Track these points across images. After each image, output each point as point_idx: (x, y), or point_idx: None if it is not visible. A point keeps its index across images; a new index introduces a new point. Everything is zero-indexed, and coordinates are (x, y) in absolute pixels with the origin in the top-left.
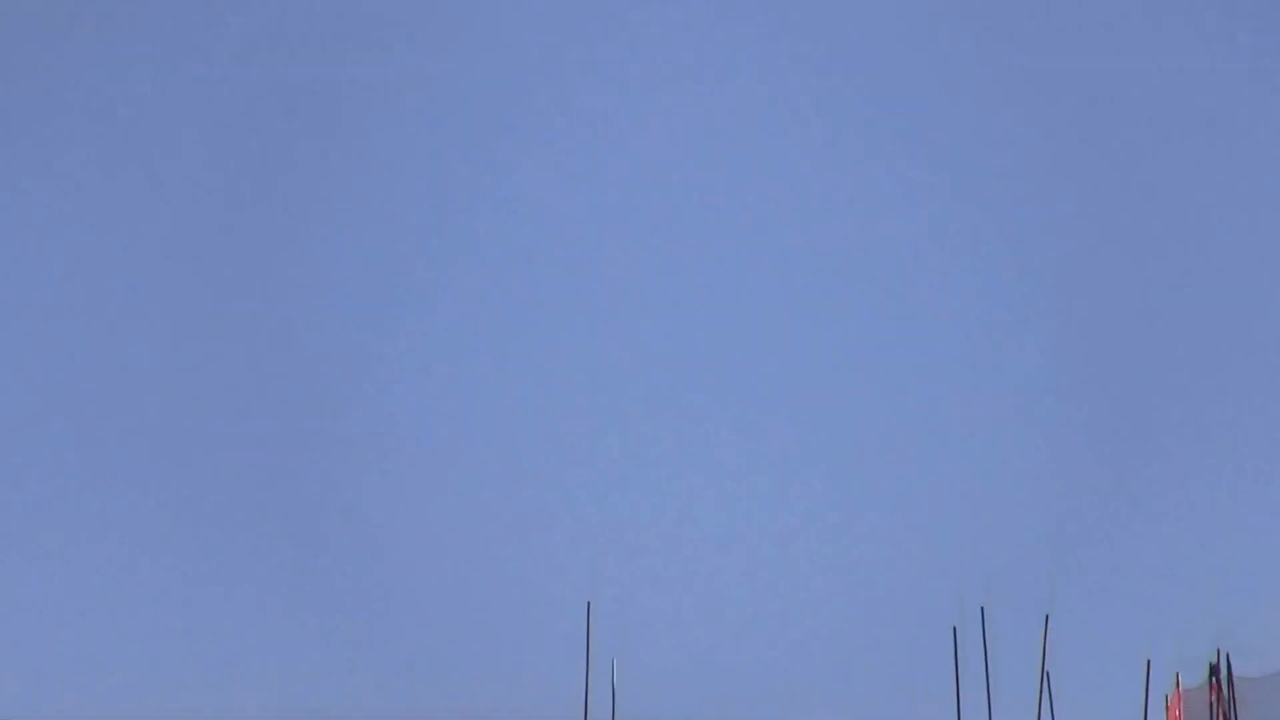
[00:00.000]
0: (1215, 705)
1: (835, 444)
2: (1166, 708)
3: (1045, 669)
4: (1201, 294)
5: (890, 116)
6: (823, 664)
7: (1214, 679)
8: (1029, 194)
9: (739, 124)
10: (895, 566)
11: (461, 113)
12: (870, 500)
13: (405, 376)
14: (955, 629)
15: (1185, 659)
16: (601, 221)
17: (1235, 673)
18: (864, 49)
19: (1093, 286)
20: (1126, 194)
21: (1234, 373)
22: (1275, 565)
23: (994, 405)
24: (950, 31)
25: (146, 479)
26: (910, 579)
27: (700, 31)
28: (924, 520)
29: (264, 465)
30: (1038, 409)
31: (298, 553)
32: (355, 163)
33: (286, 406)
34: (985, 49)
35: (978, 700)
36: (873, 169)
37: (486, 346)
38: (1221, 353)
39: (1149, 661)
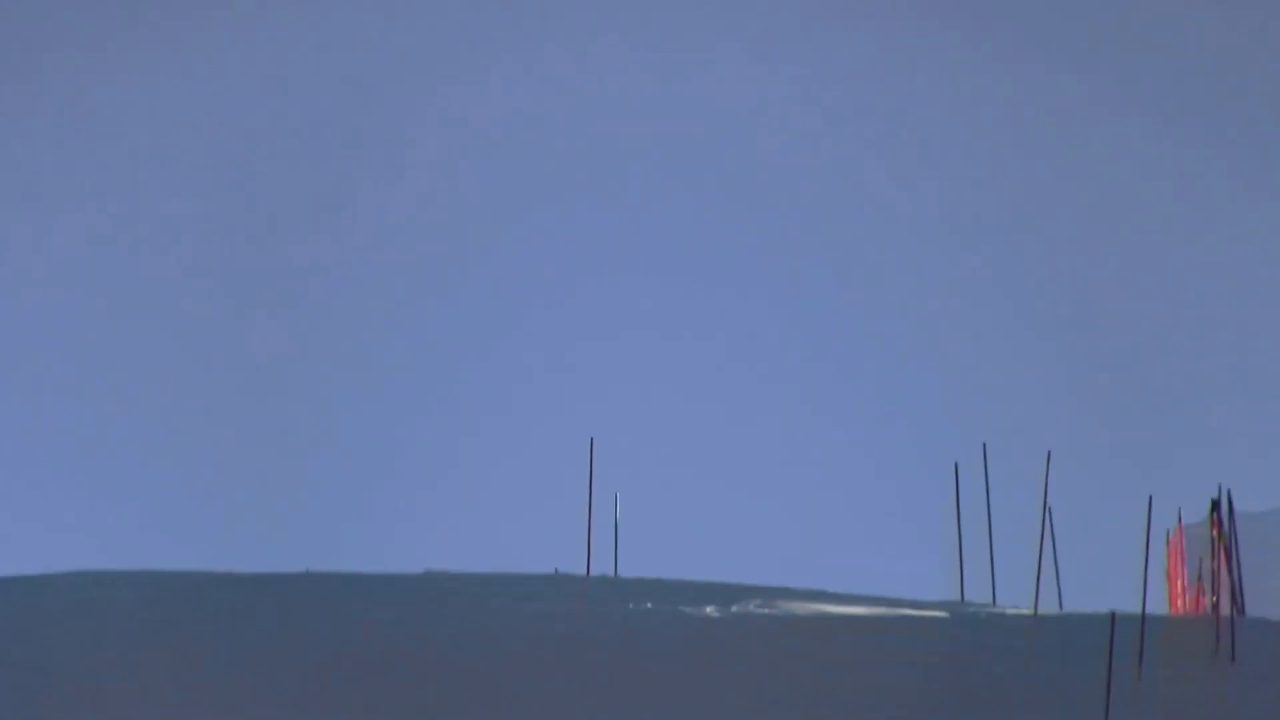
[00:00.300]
0: (1217, 541)
1: (839, 279)
2: (1168, 544)
3: (1047, 505)
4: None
5: None
6: (824, 502)
7: (1216, 515)
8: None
9: None
10: (897, 403)
11: None
12: (874, 336)
13: (409, 200)
14: (956, 465)
15: (1187, 495)
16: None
17: (1237, 509)
18: None
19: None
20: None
21: (1242, 215)
22: (1276, 402)
23: (999, 242)
24: None
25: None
26: (912, 415)
27: None
28: (926, 357)
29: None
30: (1043, 248)
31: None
32: None
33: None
34: None
35: (978, 537)
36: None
37: (491, 196)
38: (1233, 189)
39: (1150, 498)
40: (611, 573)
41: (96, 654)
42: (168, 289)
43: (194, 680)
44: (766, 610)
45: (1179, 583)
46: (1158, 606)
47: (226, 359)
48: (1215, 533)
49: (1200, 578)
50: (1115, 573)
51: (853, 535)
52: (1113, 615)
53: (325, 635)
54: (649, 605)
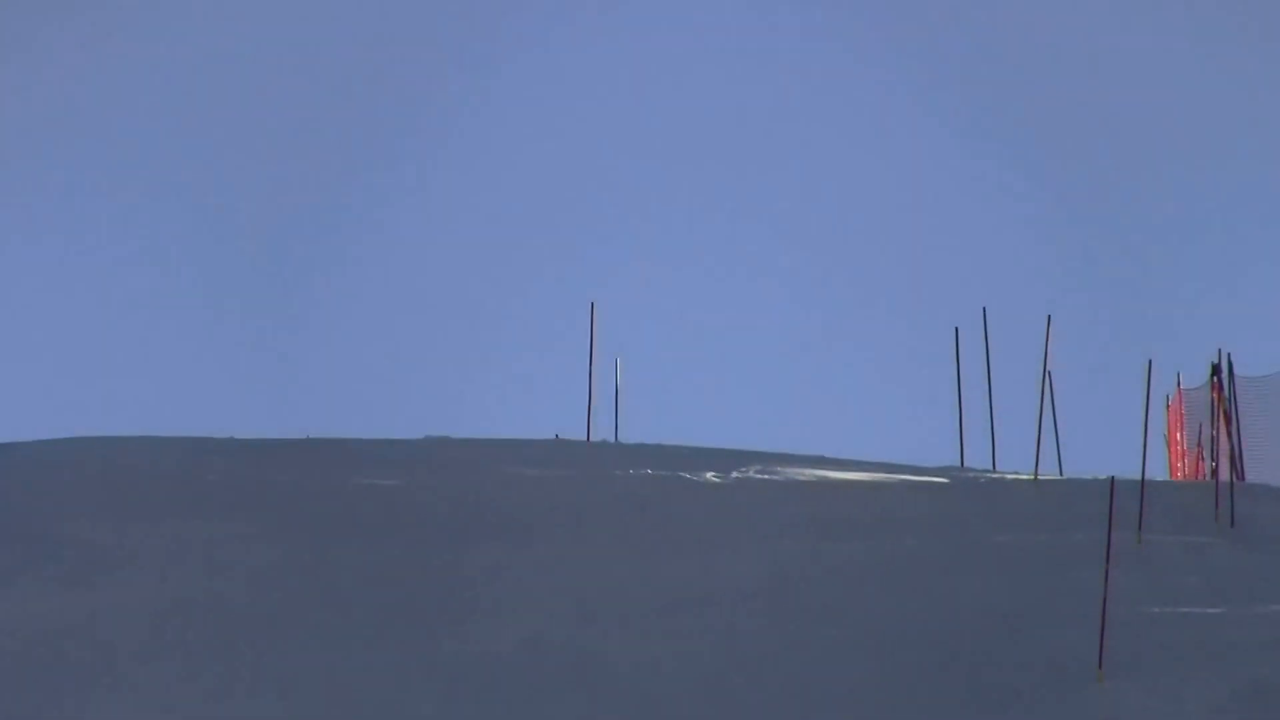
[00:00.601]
0: (1216, 405)
1: (842, 150)
2: (1168, 407)
3: (1047, 369)
4: None
5: None
6: (824, 367)
7: (1215, 379)
8: None
9: None
10: (898, 268)
11: None
12: (875, 203)
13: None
14: (957, 329)
15: (1187, 359)
16: None
17: (1237, 373)
18: None
19: None
20: None
21: (1240, 83)
22: (1277, 265)
23: (999, 109)
24: None
25: None
26: (913, 280)
27: None
28: (927, 222)
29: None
30: (1042, 114)
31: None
32: None
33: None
34: None
35: (979, 400)
36: None
37: (500, 55)
38: (1227, 62)
39: (1150, 362)
40: (612, 438)
41: (98, 521)
42: (175, 161)
43: (196, 544)
44: (767, 476)
45: (1179, 447)
46: (1158, 471)
47: (228, 228)
48: (1215, 397)
49: (1200, 442)
50: (1115, 438)
51: (853, 401)
52: (1112, 480)
53: (326, 500)
54: (649, 471)
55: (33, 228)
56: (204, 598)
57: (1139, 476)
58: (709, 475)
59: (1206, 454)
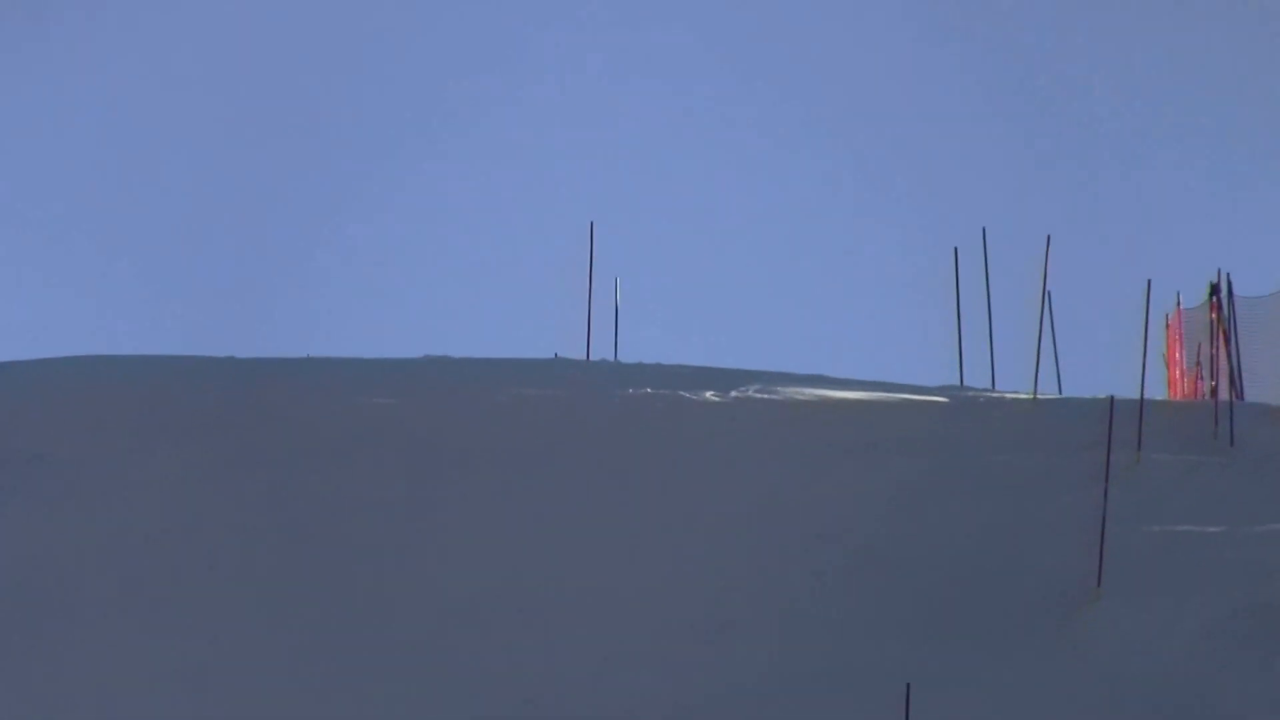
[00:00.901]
0: (1215, 324)
1: (841, 66)
2: (1167, 327)
3: (1046, 289)
4: None
5: None
6: (824, 286)
7: (1214, 298)
8: None
9: None
10: (898, 188)
11: None
12: (874, 121)
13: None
14: (956, 249)
15: (1186, 279)
16: None
17: (1236, 292)
18: None
19: None
20: None
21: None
22: (1276, 185)
23: (1000, 27)
24: None
25: None
26: (913, 200)
27: None
28: (927, 142)
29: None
30: (1042, 32)
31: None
32: None
33: None
34: None
35: (979, 319)
36: None
37: None
38: None
39: (1149, 281)
40: (611, 358)
41: (96, 439)
42: (171, 74)
43: (194, 463)
44: (766, 395)
45: (1178, 367)
46: (1156, 391)
47: (227, 145)
48: (1214, 316)
49: (1199, 362)
50: (1114, 357)
51: (853, 321)
52: (1111, 400)
53: (324, 419)
54: (648, 390)
55: (28, 144)
56: (197, 521)
57: (1138, 396)
58: (708, 394)
59: (1205, 373)
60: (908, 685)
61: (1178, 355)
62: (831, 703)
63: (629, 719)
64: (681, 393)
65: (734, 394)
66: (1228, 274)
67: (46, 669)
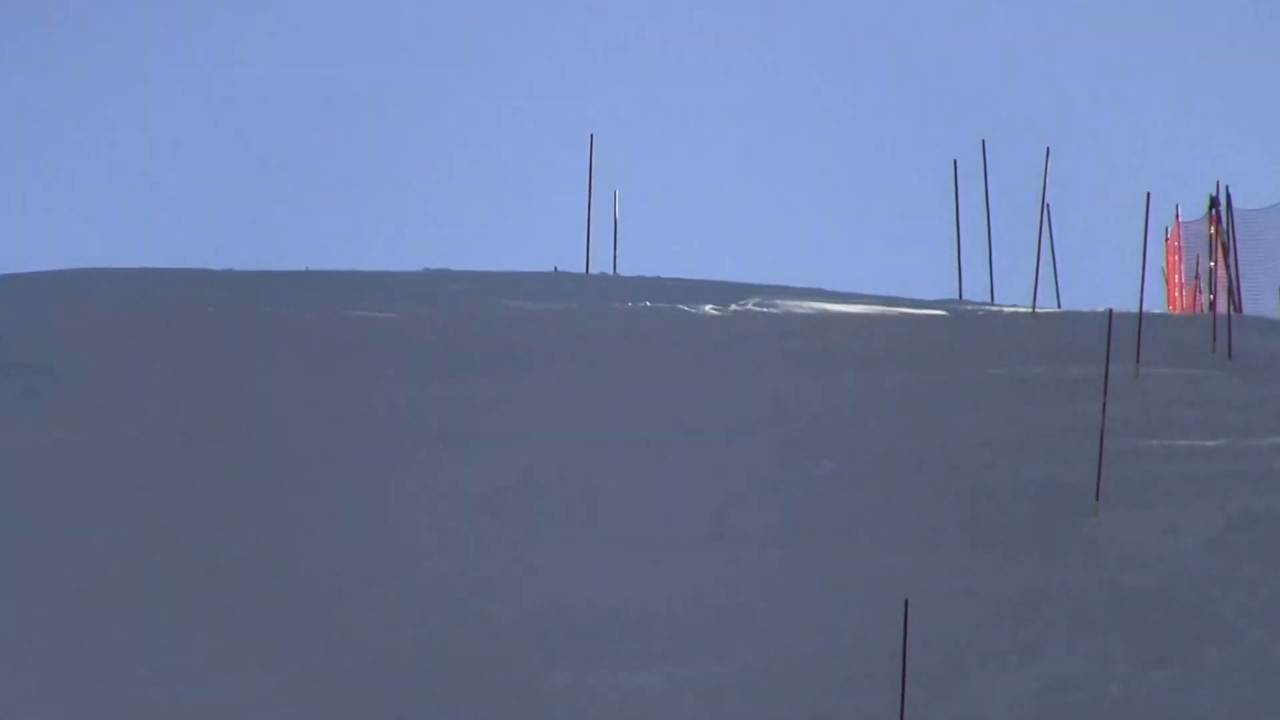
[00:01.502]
0: (1215, 237)
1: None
2: (1166, 240)
3: (1045, 201)
4: None
5: None
6: (823, 199)
7: (1214, 211)
8: None
9: None
10: (897, 100)
11: None
12: (870, 32)
13: None
14: (955, 162)
15: (1186, 192)
16: None
17: (1235, 205)
18: None
19: None
20: None
21: None
22: (1277, 98)
23: None
24: None
25: None
26: (912, 113)
27: None
28: (925, 53)
29: None
30: None
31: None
32: None
33: None
34: None
35: (978, 232)
36: None
37: None
38: None
39: (1149, 194)
40: (610, 271)
41: (100, 352)
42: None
43: (195, 377)
44: (765, 309)
45: (1177, 280)
46: (1155, 304)
47: (229, 61)
48: (1213, 229)
49: (1198, 275)
50: (1113, 271)
51: (851, 234)
52: (1110, 313)
53: (324, 333)
54: (647, 303)
55: (34, 64)
56: (200, 430)
57: (1136, 309)
58: (707, 308)
59: (1204, 286)
60: (905, 602)
61: (1177, 269)
62: (830, 609)
63: (629, 622)
64: (680, 306)
65: (733, 307)
66: (1227, 187)
67: (43, 582)
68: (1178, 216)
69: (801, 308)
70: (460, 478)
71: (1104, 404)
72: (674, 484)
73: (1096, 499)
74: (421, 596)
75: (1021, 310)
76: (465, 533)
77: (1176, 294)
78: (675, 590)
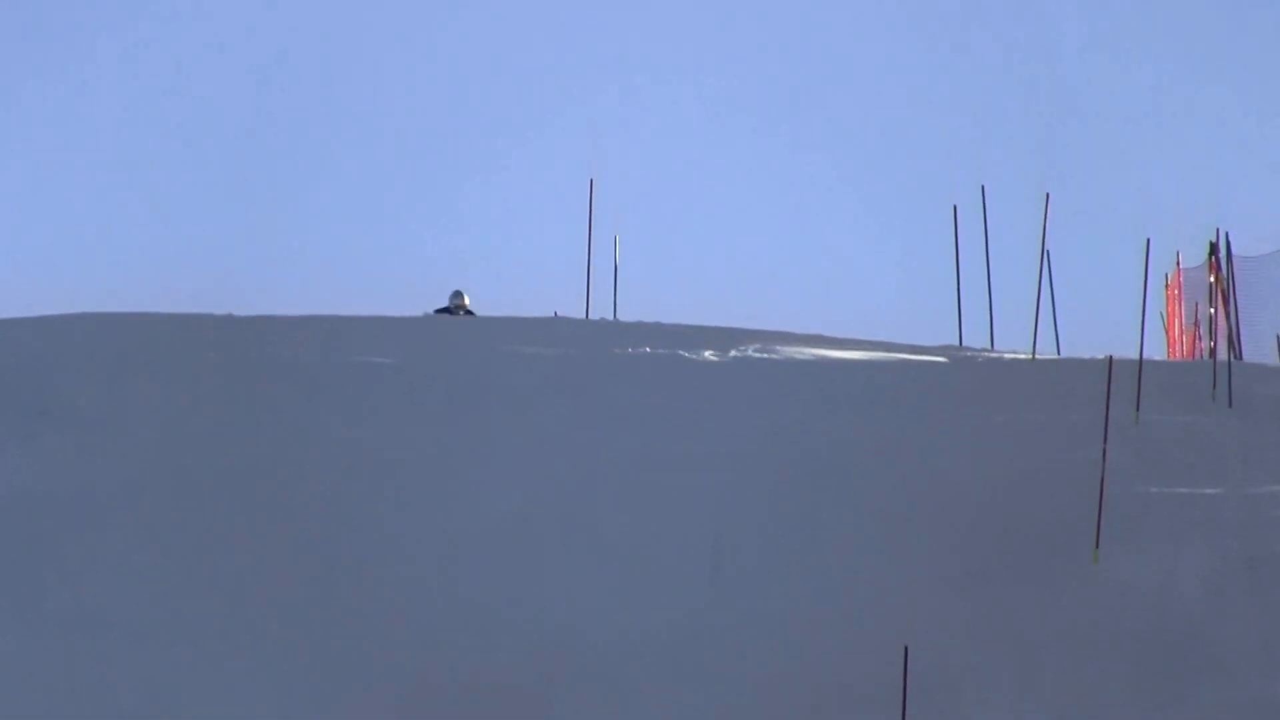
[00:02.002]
0: (1214, 284)
1: (839, 24)
2: (1166, 286)
3: (1045, 247)
4: None
5: None
6: (823, 245)
7: (1214, 258)
8: None
9: None
10: (897, 145)
11: None
12: (872, 78)
13: None
14: (955, 207)
15: (1185, 238)
16: None
17: (1235, 252)
18: None
19: None
20: None
21: None
22: (1277, 145)
23: None
24: None
25: None
26: (912, 158)
27: None
28: (926, 99)
29: None
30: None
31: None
32: None
33: None
34: None
35: (977, 278)
36: None
37: None
38: None
39: (1149, 240)
40: (610, 316)
41: (101, 395)
42: (168, 39)
43: (196, 419)
44: (765, 354)
45: (1176, 326)
46: (1155, 350)
47: (226, 102)
48: (1213, 276)
49: (1197, 321)
50: (1113, 317)
51: (852, 280)
52: (1110, 359)
53: (324, 377)
54: (647, 349)
55: (35, 108)
56: (202, 471)
57: (1137, 355)
58: (707, 354)
59: (1204, 333)
60: (905, 648)
61: (1177, 314)
62: (829, 652)
63: (629, 656)
64: (680, 352)
65: (733, 353)
66: (1227, 233)
67: (50, 617)
68: (1178, 263)
69: (801, 353)
70: (460, 515)
71: (1104, 449)
72: (673, 522)
73: (1096, 542)
74: (423, 630)
75: (1021, 356)
76: (465, 568)
77: (1176, 340)
78: (673, 625)
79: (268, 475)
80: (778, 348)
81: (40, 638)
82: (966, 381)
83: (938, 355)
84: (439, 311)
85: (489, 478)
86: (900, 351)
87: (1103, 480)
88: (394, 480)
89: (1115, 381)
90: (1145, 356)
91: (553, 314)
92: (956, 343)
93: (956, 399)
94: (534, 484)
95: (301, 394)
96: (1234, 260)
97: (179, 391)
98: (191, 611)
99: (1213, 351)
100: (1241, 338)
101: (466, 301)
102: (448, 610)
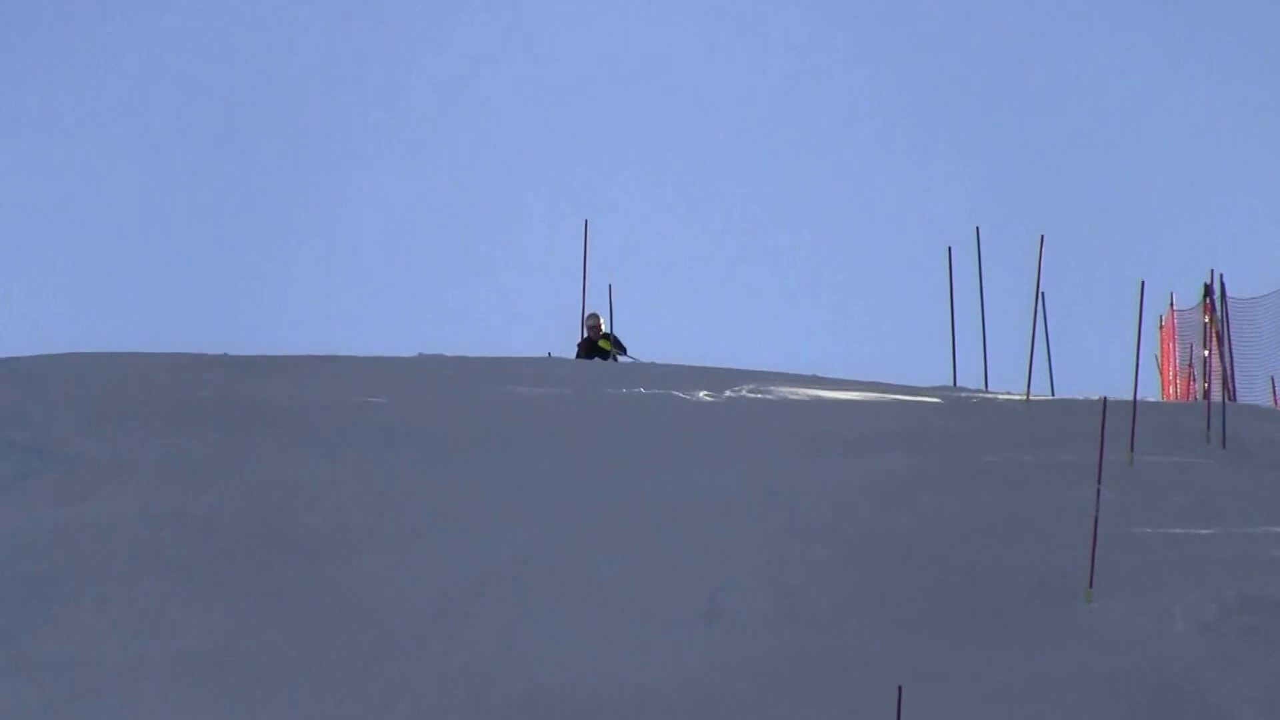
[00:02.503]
0: (1209, 325)
1: (832, 62)
2: (1160, 328)
3: (1040, 289)
4: None
5: None
6: (818, 286)
7: (1208, 299)
8: None
9: None
10: (892, 188)
11: None
12: (865, 119)
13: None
14: (950, 249)
15: (1180, 280)
16: None
17: (1229, 294)
18: None
19: None
20: None
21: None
22: (1269, 187)
23: (992, 29)
24: None
25: None
26: (907, 200)
27: None
28: (920, 141)
29: None
30: (1035, 33)
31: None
32: None
33: None
34: None
35: (971, 320)
36: None
37: None
38: None
39: (1143, 282)
40: (604, 357)
41: (95, 435)
42: (167, 75)
43: (188, 460)
44: (759, 395)
45: (1171, 368)
46: (1149, 392)
47: (221, 144)
48: (1207, 318)
49: (1191, 363)
50: (1107, 358)
51: (846, 321)
52: (1104, 400)
53: (318, 417)
54: (641, 390)
55: (29, 149)
56: (195, 512)
57: (1130, 396)
58: (702, 394)
59: (1198, 374)
60: (899, 688)
61: (1171, 356)
62: (823, 696)
63: (622, 705)
64: (675, 392)
65: (727, 393)
66: (1221, 275)
67: (40, 661)
68: (1172, 304)
69: (796, 394)
70: (453, 560)
71: (1097, 491)
72: (667, 567)
73: (1090, 584)
74: (414, 678)
75: (1015, 397)
76: (458, 615)
77: (1170, 382)
78: (668, 673)
79: (259, 516)
80: (772, 388)
81: (30, 681)
82: (961, 422)
83: (932, 396)
84: (584, 341)
85: (484, 518)
86: (895, 392)
87: (1096, 521)
88: (387, 520)
89: (1109, 423)
90: (1139, 398)
91: (547, 354)
92: (951, 383)
93: (951, 439)
94: (528, 525)
95: (295, 434)
96: (1228, 302)
97: (172, 431)
98: (183, 654)
99: (1206, 393)
100: (1235, 379)
101: (602, 324)
102: (438, 658)
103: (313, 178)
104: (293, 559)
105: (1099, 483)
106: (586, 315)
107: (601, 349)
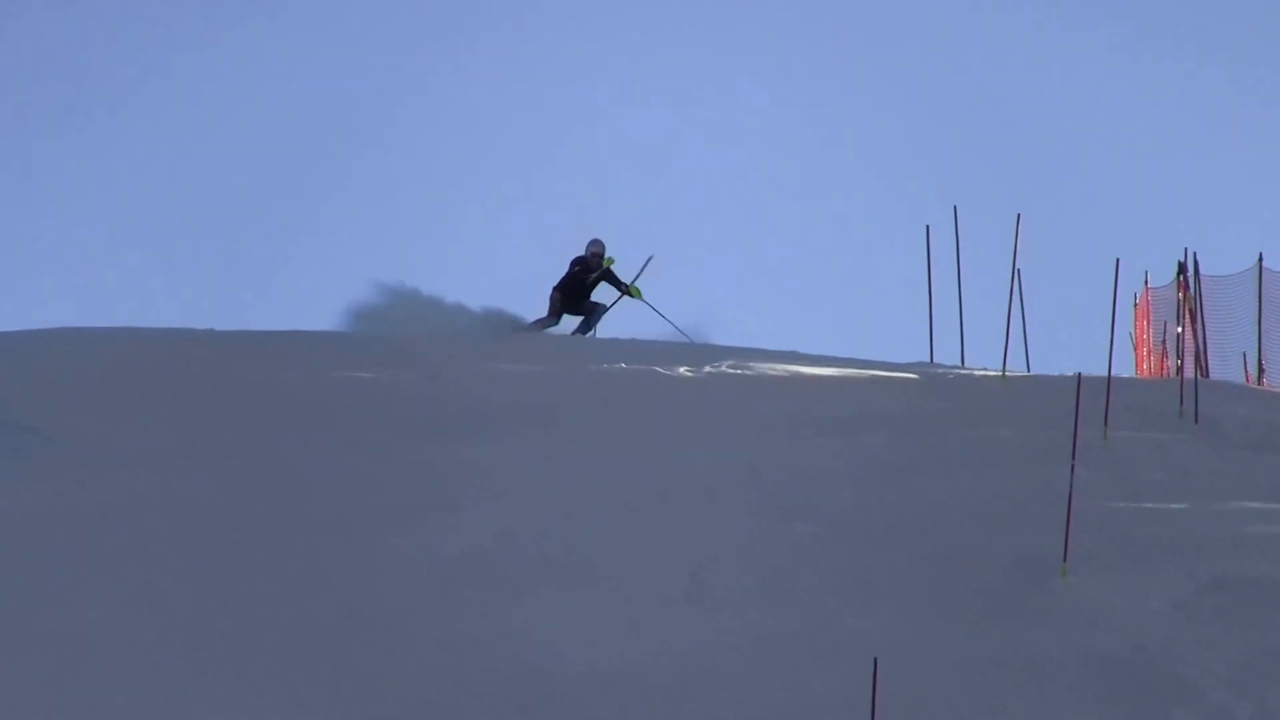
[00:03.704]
0: (1182, 303)
1: (816, 44)
2: (1135, 306)
3: (1016, 267)
4: None
5: None
6: (797, 263)
7: (1182, 278)
8: None
9: None
10: (870, 167)
11: None
12: (847, 98)
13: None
14: (928, 227)
15: (1154, 258)
16: None
17: (1203, 272)
18: None
19: None
20: None
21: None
22: (1244, 167)
23: (970, 3)
24: None
25: None
26: (885, 179)
27: None
28: (899, 120)
29: None
30: (1017, 11)
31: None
32: None
33: None
34: None
35: (949, 297)
36: None
37: None
38: None
39: (1118, 260)
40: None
41: (87, 412)
42: (162, 64)
43: (176, 436)
44: (739, 371)
45: (1145, 345)
46: (1124, 369)
47: (215, 127)
48: (1181, 296)
49: (1165, 340)
50: (1082, 335)
51: (826, 298)
52: (1079, 377)
53: (304, 394)
54: (623, 365)
55: (22, 128)
56: (183, 490)
57: (1105, 374)
58: (682, 370)
59: (1172, 352)
60: (875, 660)
61: (1145, 334)
62: (802, 671)
63: (605, 684)
64: (656, 368)
65: (707, 370)
66: (1195, 253)
67: (38, 638)
68: (1146, 283)
69: (775, 371)
70: (437, 539)
71: (1073, 467)
72: (650, 546)
73: (1064, 562)
74: (398, 657)
75: (992, 374)
76: (441, 594)
77: (1144, 359)
78: (651, 651)
79: (248, 492)
80: (752, 364)
81: (28, 659)
82: (938, 399)
83: (910, 373)
84: (576, 260)
85: (468, 497)
86: (873, 369)
87: (1070, 498)
88: (373, 499)
89: (1084, 400)
90: (1114, 375)
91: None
92: (928, 360)
93: (928, 416)
94: (512, 504)
95: (282, 411)
96: (1202, 280)
97: (162, 407)
98: (177, 628)
99: (1180, 370)
100: (1209, 357)
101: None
102: (420, 637)
103: (303, 158)
104: (277, 536)
105: (1074, 459)
106: (589, 240)
107: (588, 288)
